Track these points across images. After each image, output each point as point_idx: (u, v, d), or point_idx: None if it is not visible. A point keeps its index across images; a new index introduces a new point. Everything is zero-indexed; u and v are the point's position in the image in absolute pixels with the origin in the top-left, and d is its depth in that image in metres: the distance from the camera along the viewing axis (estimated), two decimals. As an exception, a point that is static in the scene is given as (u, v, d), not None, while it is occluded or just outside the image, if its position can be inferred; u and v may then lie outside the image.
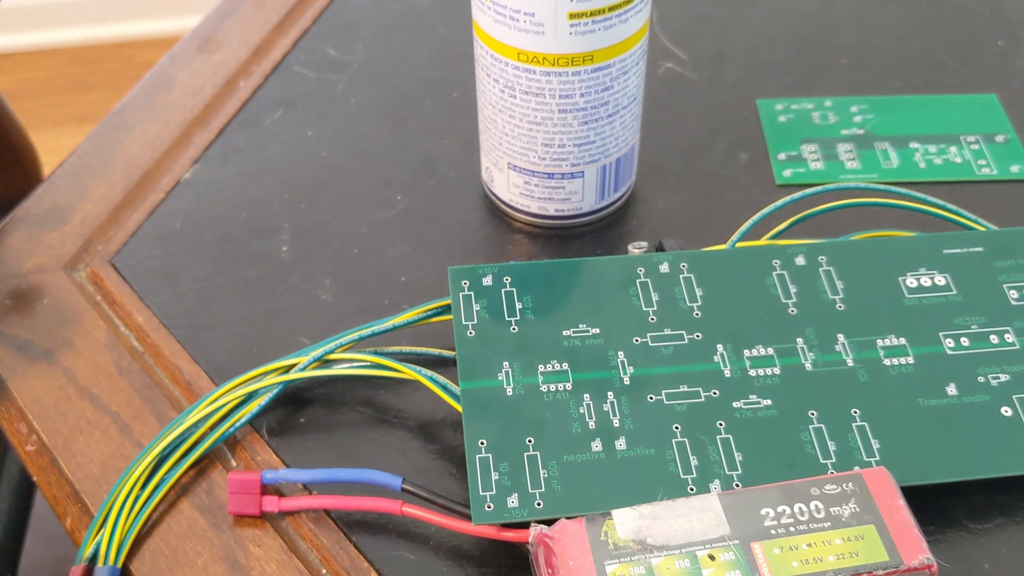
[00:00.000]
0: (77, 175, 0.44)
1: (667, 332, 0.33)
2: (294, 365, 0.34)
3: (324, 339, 0.35)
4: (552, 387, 0.31)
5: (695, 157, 0.43)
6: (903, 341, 0.33)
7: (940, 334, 0.33)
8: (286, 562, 0.31)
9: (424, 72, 0.47)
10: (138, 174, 0.43)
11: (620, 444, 0.30)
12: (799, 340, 0.33)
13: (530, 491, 0.29)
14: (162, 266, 0.39)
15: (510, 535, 0.29)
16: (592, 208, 0.39)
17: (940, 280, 0.34)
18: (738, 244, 0.35)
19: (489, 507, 0.29)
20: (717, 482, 0.29)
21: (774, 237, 0.36)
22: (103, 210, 0.42)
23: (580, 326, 0.33)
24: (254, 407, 0.33)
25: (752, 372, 0.32)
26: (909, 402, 0.31)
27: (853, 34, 0.48)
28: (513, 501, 0.29)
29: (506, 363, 0.32)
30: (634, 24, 0.35)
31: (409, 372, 0.32)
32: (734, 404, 0.31)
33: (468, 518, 0.29)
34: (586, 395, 0.31)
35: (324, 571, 0.31)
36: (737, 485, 0.29)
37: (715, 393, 0.31)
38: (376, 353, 0.34)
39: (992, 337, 0.33)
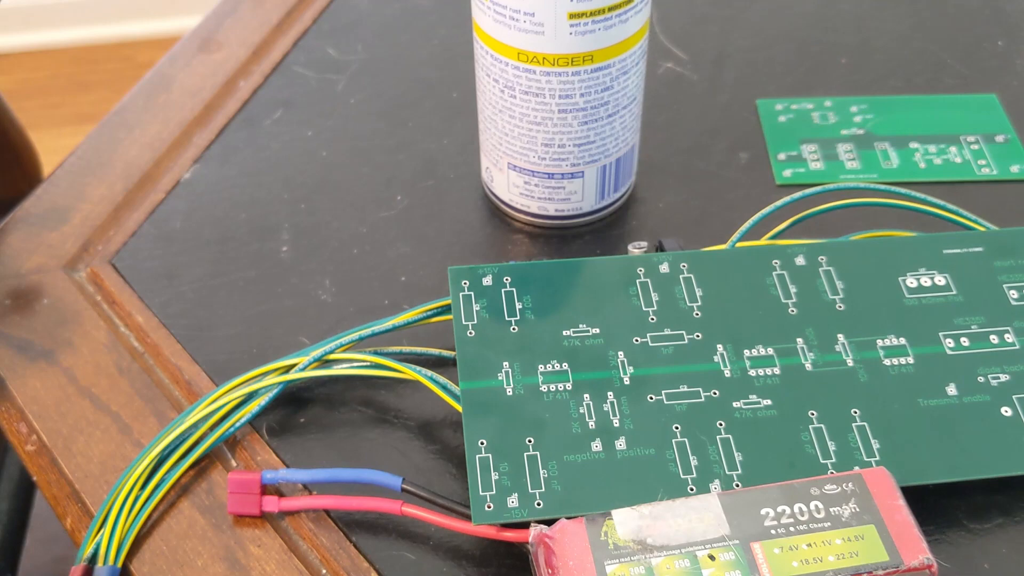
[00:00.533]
0: (77, 175, 0.44)
1: (667, 332, 0.33)
2: (294, 365, 0.34)
3: (324, 339, 0.35)
4: (552, 387, 0.31)
5: (695, 157, 0.43)
6: (903, 341, 0.33)
7: (940, 334, 0.33)
8: (286, 562, 0.31)
9: (424, 72, 0.47)
10: (138, 174, 0.43)
11: (620, 444, 0.30)
12: (799, 340, 0.33)
13: (530, 491, 0.29)
14: (162, 266, 0.39)
15: (510, 535, 0.29)
16: (592, 208, 0.39)
17: (940, 280, 0.34)
18: (738, 244, 0.35)
19: (489, 507, 0.29)
20: (717, 482, 0.29)
21: (774, 237, 0.36)
22: (103, 210, 0.42)
23: (580, 326, 0.33)
24: (254, 407, 0.33)
25: (752, 372, 0.32)
26: (909, 402, 0.31)
27: (853, 34, 0.48)
28: (513, 501, 0.29)
29: (506, 363, 0.32)
30: (634, 24, 0.35)
31: (409, 372, 0.32)
32: (734, 404, 0.31)
33: (468, 518, 0.29)
34: (586, 395, 0.31)
35: (324, 571, 0.31)
36: (737, 485, 0.29)
37: (715, 393, 0.31)
38: (376, 353, 0.34)
39: (992, 337, 0.33)
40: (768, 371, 0.32)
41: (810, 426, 0.31)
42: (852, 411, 0.31)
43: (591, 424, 0.31)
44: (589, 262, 0.35)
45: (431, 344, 0.35)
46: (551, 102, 0.36)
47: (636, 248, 0.37)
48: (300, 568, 0.31)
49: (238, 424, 0.33)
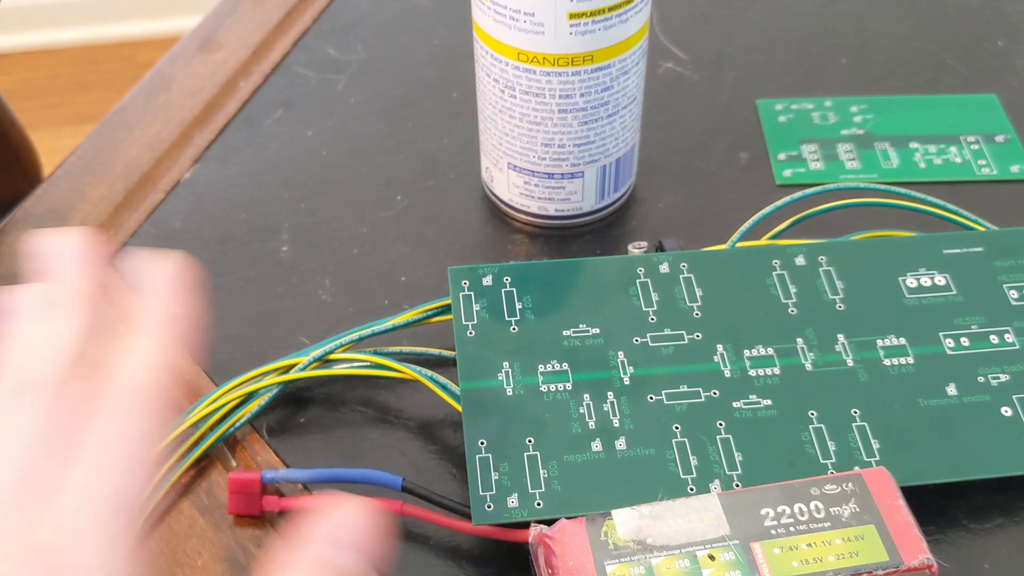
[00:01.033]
0: (77, 175, 0.44)
1: (667, 332, 0.33)
2: (294, 365, 0.34)
3: (324, 339, 0.35)
4: (552, 387, 0.31)
5: (695, 157, 0.43)
6: (903, 341, 0.33)
7: (940, 334, 0.33)
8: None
9: (424, 72, 0.47)
10: (138, 174, 0.43)
11: (620, 444, 0.30)
12: (799, 340, 0.33)
13: (530, 491, 0.29)
14: (162, 266, 0.39)
15: (510, 535, 0.29)
16: (592, 208, 0.39)
17: (940, 280, 0.34)
18: (738, 244, 0.35)
19: (489, 507, 0.29)
20: (717, 482, 0.29)
21: (774, 237, 0.36)
22: (103, 210, 0.42)
23: (580, 326, 0.33)
24: (254, 407, 0.33)
25: (752, 372, 0.32)
26: (909, 402, 0.31)
27: (853, 34, 0.48)
28: (513, 501, 0.29)
29: (506, 363, 0.32)
30: (634, 24, 0.35)
31: (409, 372, 0.32)
32: (734, 404, 0.31)
33: (468, 518, 0.29)
34: (586, 395, 0.31)
35: (324, 571, 0.31)
36: (737, 485, 0.29)
37: (715, 393, 0.31)
38: (376, 353, 0.34)
39: (992, 337, 0.33)
40: (768, 371, 0.32)
41: (810, 426, 0.31)
42: (852, 411, 0.31)
43: (591, 424, 0.31)
44: (589, 262, 0.35)
45: (431, 344, 0.35)
46: (551, 102, 0.36)
47: (636, 248, 0.37)
48: (300, 568, 0.31)
49: (238, 424, 0.33)
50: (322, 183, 0.42)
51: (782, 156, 0.43)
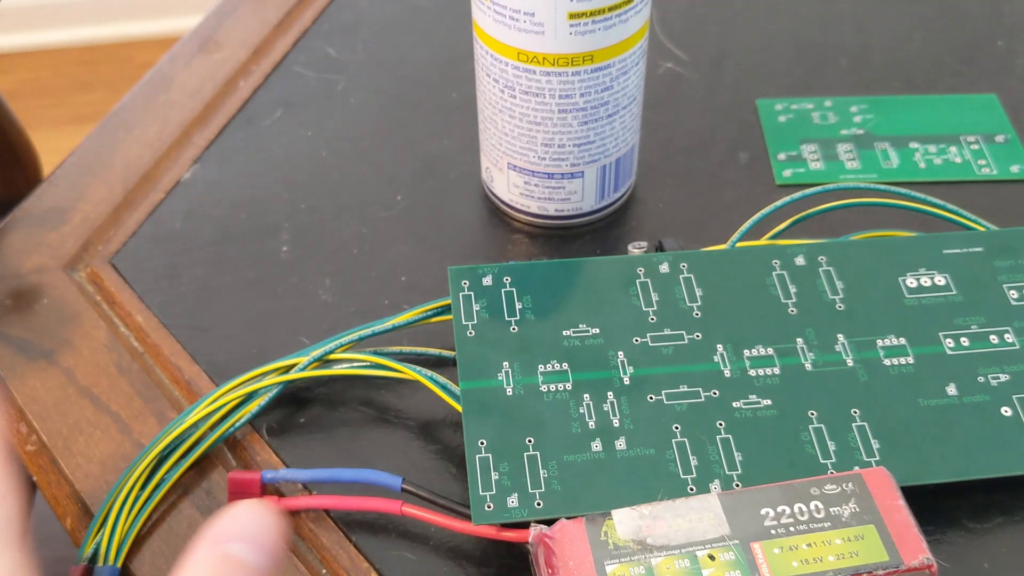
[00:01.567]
0: (77, 175, 0.44)
1: (667, 332, 0.33)
2: (294, 365, 0.34)
3: (324, 339, 0.35)
4: (552, 387, 0.31)
5: (695, 157, 0.43)
6: (903, 341, 0.33)
7: (940, 334, 0.33)
8: (286, 562, 0.31)
9: (424, 72, 0.47)
10: (137, 174, 0.43)
11: (620, 444, 0.30)
12: (799, 340, 0.33)
13: (530, 491, 0.29)
14: (162, 266, 0.39)
15: (510, 535, 0.29)
16: (592, 208, 0.39)
17: (940, 280, 0.34)
18: (738, 244, 0.35)
19: (489, 507, 0.29)
20: (717, 482, 0.29)
21: (774, 237, 0.36)
22: (103, 210, 0.42)
23: (580, 326, 0.33)
24: (254, 407, 0.33)
25: (752, 372, 0.32)
26: (909, 402, 0.31)
27: (853, 34, 0.48)
28: (513, 501, 0.29)
29: (506, 363, 0.32)
30: (634, 24, 0.35)
31: (409, 372, 0.32)
32: (734, 404, 0.31)
33: (468, 518, 0.29)
34: (586, 395, 0.31)
35: (324, 571, 0.31)
36: (737, 485, 0.29)
37: (715, 393, 0.31)
38: (376, 353, 0.34)
39: (992, 337, 0.33)
40: (768, 371, 0.32)
41: (810, 426, 0.31)
42: (852, 411, 0.31)
43: (591, 424, 0.31)
44: (589, 262, 0.35)
45: (431, 344, 0.35)
46: (551, 102, 0.36)
47: (636, 248, 0.37)
48: (300, 568, 0.31)
49: (238, 424, 0.33)
50: (322, 183, 0.42)
51: (782, 156, 0.43)
